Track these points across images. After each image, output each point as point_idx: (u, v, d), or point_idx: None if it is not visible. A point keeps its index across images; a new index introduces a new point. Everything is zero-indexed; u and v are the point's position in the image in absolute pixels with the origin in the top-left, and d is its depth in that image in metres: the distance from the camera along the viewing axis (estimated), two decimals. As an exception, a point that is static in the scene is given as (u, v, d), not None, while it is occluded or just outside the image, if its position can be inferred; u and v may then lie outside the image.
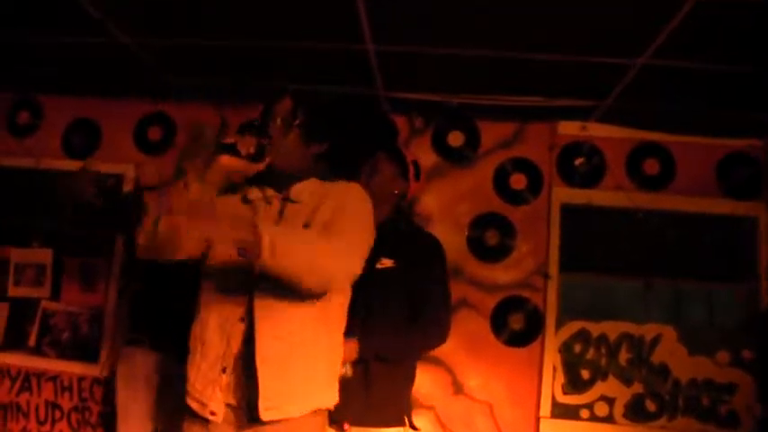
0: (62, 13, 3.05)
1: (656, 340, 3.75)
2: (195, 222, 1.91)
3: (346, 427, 2.58)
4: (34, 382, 4.11)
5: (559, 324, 3.82)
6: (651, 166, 3.89)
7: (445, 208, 3.95)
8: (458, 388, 3.83)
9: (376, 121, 3.71)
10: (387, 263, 2.68)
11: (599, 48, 2.94)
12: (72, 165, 4.19)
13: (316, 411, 2.11)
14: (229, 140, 2.00)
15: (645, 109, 3.66)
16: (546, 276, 3.85)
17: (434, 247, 2.87)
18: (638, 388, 3.73)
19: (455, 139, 4.00)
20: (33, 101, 4.38)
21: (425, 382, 3.77)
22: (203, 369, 2.10)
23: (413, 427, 2.77)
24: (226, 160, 1.99)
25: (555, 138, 3.96)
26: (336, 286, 2.08)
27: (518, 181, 3.95)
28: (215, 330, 2.10)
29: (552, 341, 3.80)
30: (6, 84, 4.24)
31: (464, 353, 3.81)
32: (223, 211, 2.07)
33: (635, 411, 3.71)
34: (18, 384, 4.12)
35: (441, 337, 2.75)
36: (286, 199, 2.18)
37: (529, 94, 3.62)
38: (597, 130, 3.92)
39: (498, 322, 3.84)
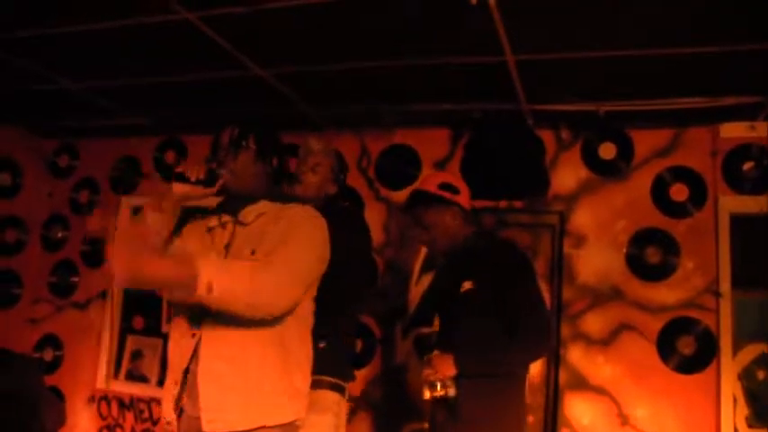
0: (199, 50, 3.17)
1: None
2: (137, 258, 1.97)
3: None
4: (190, 414, 4.22)
5: (737, 347, 3.51)
6: (833, 168, 3.54)
7: (601, 226, 3.77)
8: (624, 419, 3.59)
9: (523, 138, 3.55)
10: (468, 285, 2.68)
11: (765, 32, 2.66)
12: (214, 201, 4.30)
13: (271, 427, 2.11)
14: (179, 169, 2.18)
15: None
16: (717, 295, 3.55)
17: (513, 261, 2.76)
18: (836, 419, 3.32)
19: (606, 150, 3.81)
20: (179, 140, 4.59)
21: (588, 412, 3.63)
22: (167, 381, 2.24)
23: None
24: (178, 188, 2.17)
25: (718, 142, 3.68)
26: (280, 315, 2.11)
27: (679, 192, 3.69)
28: (174, 344, 2.24)
29: (730, 367, 3.49)
30: (153, 126, 4.44)
31: (629, 381, 3.60)
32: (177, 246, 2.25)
33: (834, 447, 3.30)
34: (175, 418, 4.24)
35: (541, 346, 2.70)
36: (236, 222, 2.26)
37: (685, 95, 3.40)
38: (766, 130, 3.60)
39: (666, 347, 3.58)
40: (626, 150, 3.78)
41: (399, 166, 3.72)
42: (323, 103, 3.79)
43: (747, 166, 3.61)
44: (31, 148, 4.90)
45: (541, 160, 3.63)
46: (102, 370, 4.54)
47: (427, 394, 2.60)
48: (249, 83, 3.52)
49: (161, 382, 4.27)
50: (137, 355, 4.45)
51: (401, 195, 3.78)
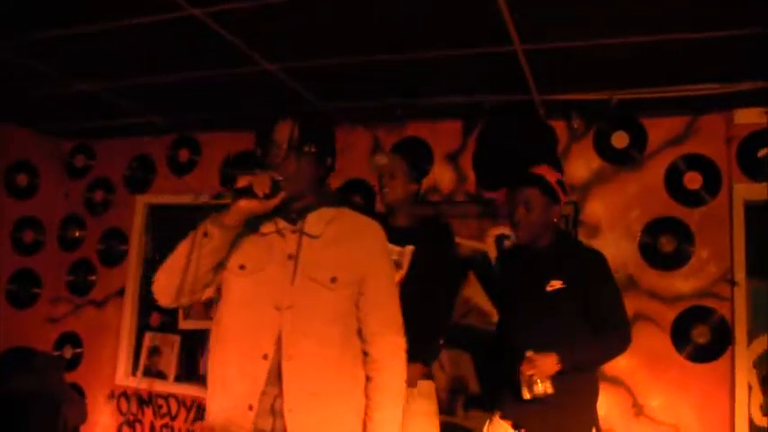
0: (211, 49, 3.20)
1: None
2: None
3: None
4: (207, 410, 4.27)
5: (752, 336, 3.49)
6: None
7: (614, 215, 3.76)
8: (639, 409, 3.60)
9: (536, 129, 3.54)
10: (556, 284, 2.74)
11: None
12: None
13: None
14: (243, 183, 1.96)
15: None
16: (732, 283, 3.53)
17: (600, 260, 2.88)
18: None
19: (619, 139, 3.81)
20: (192, 138, 4.63)
21: (603, 403, 3.50)
22: (225, 407, 2.08)
23: None
24: (244, 204, 1.98)
25: (732, 129, 3.65)
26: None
27: (693, 180, 3.68)
28: (237, 368, 2.06)
29: (745, 356, 3.47)
30: (166, 125, 4.48)
31: (644, 371, 3.60)
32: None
33: None
34: (193, 414, 4.33)
35: (628, 341, 2.76)
36: (302, 233, 2.10)
37: (699, 81, 3.37)
38: (781, 116, 3.59)
39: (680, 336, 3.58)
40: (639, 139, 3.77)
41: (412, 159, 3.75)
42: (334, 97, 3.79)
43: (762, 152, 3.57)
44: (48, 150, 4.96)
45: (554, 150, 3.63)
46: (122, 366, 4.61)
47: (527, 393, 2.60)
48: (260, 78, 3.54)
49: (178, 378, 4.37)
50: (154, 351, 4.50)
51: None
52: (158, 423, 4.40)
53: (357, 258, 2.11)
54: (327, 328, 2.05)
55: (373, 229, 2.21)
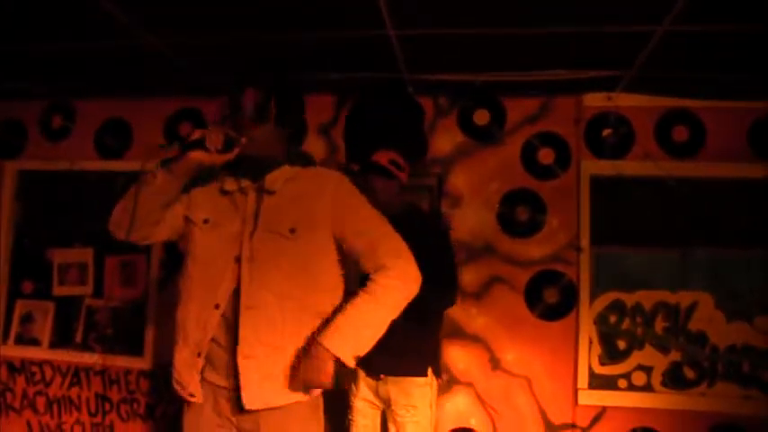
0: (89, 19, 3.12)
1: (692, 308, 3.74)
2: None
3: (382, 377, 3.06)
4: (83, 376, 4.27)
5: (594, 296, 3.83)
6: (680, 134, 3.85)
7: (475, 187, 3.97)
8: (495, 363, 3.87)
9: (404, 103, 3.71)
10: None
11: (619, 16, 2.90)
12: (106, 165, 4.32)
13: (304, 402, 2.16)
14: (196, 136, 2.10)
15: (671, 76, 3.60)
16: (578, 249, 3.85)
17: (442, 233, 3.31)
18: (675, 356, 3.74)
19: (481, 117, 4.01)
20: (66, 105, 4.49)
21: (463, 359, 3.86)
22: (184, 353, 2.20)
23: (438, 376, 3.15)
24: (195, 155, 2.10)
25: (581, 110, 3.93)
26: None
27: (546, 156, 3.95)
28: (192, 316, 2.18)
29: (587, 313, 3.82)
30: (40, 90, 4.34)
31: (500, 329, 3.86)
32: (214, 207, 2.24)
33: (673, 379, 3.73)
34: (69, 379, 4.28)
35: (453, 297, 3.13)
36: (261, 190, 2.20)
37: (553, 67, 3.59)
38: (624, 100, 3.88)
39: (533, 297, 3.87)
40: (499, 117, 3.97)
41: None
42: (213, 70, 3.76)
43: (606, 132, 3.89)
44: None
45: (421, 125, 3.80)
46: (-9, 335, 4.47)
47: None
48: (139, 51, 3.49)
49: (53, 345, 4.30)
50: (27, 318, 4.42)
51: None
52: (31, 390, 4.32)
53: (319, 207, 2.15)
54: (287, 280, 2.10)
55: (335, 178, 2.24)
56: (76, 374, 4.26)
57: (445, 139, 4.01)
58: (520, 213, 3.92)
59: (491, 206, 3.95)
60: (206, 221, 2.22)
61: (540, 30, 3.08)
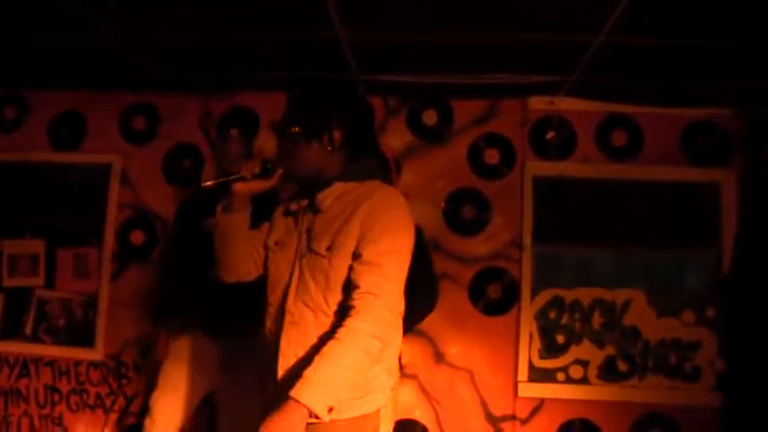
0: (44, 13, 3.14)
1: (626, 304, 3.92)
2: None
3: None
4: (32, 367, 4.25)
5: (534, 292, 3.97)
6: (619, 138, 4.01)
7: (422, 185, 4.05)
8: (439, 357, 3.97)
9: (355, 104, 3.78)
10: None
11: (560, 26, 3.03)
12: (59, 157, 4.33)
13: (361, 417, 2.09)
14: (237, 169, 2.25)
15: (611, 82, 3.75)
16: (520, 247, 3.98)
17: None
18: (610, 350, 3.91)
19: (429, 117, 4.10)
20: (19, 96, 4.46)
21: (408, 352, 3.92)
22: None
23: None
24: (239, 187, 2.22)
25: (527, 113, 4.05)
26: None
27: (492, 156, 4.06)
28: (267, 334, 2.22)
29: (528, 309, 3.95)
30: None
31: (444, 323, 3.94)
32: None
33: (608, 372, 3.90)
34: (17, 371, 4.26)
35: (432, 304, 3.10)
36: (313, 210, 2.17)
37: (499, 71, 3.69)
38: (566, 104, 4.03)
39: (476, 293, 3.98)
40: (446, 118, 4.07)
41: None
42: (168, 67, 3.82)
43: (549, 135, 4.02)
44: None
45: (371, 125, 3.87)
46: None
47: None
48: (93, 45, 3.51)
49: (2, 336, 4.25)
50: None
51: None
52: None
53: (352, 223, 2.05)
54: (322, 295, 2.06)
55: (376, 193, 2.11)
56: (26, 366, 4.25)
57: (395, 138, 4.09)
58: (465, 212, 4.03)
59: (438, 204, 4.04)
60: (276, 243, 2.26)
61: (487, 37, 3.20)
